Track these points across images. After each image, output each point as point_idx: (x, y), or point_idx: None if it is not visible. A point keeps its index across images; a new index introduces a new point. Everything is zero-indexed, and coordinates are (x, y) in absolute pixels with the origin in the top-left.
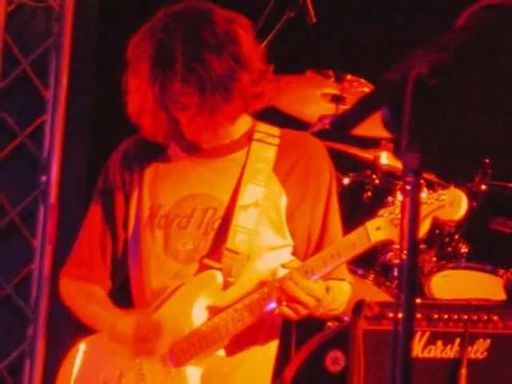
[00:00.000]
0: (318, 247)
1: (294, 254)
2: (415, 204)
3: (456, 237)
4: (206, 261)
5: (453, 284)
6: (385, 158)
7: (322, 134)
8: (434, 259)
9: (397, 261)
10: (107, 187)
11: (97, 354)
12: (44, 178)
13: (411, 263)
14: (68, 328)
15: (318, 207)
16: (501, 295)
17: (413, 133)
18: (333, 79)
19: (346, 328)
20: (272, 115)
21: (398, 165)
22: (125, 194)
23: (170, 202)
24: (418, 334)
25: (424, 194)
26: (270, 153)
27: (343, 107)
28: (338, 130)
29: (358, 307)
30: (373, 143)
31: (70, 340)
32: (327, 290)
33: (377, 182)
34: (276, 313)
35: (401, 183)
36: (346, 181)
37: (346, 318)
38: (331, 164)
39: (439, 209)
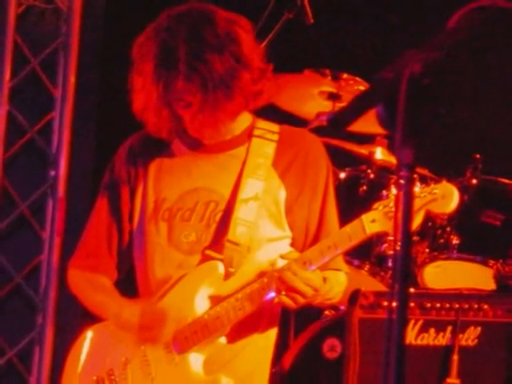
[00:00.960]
0: (316, 239)
1: (292, 245)
2: (409, 197)
3: (448, 229)
4: (208, 252)
5: (445, 274)
6: (379, 154)
7: (319, 131)
8: (427, 250)
9: (391, 252)
10: (113, 181)
11: (103, 342)
12: (52, 173)
13: (405, 254)
14: (76, 316)
15: (315, 201)
16: (491, 285)
17: (406, 129)
18: (330, 78)
19: (343, 316)
20: (271, 112)
21: (393, 160)
22: (130, 188)
23: (173, 196)
24: (412, 322)
25: (417, 188)
26: (270, 148)
27: (340, 105)
28: (335, 126)
29: (354, 296)
30: (368, 139)
31: (77, 328)
32: (324, 280)
33: (372, 176)
34: (275, 302)
35: (395, 177)
36: (342, 175)
37: (343, 307)
38: (328, 159)
39: (432, 202)
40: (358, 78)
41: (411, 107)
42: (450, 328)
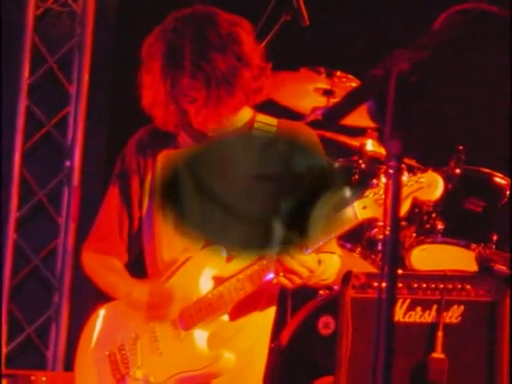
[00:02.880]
0: None
1: None
2: (397, 186)
3: (433, 215)
4: None
5: (430, 257)
6: (370, 145)
7: (314, 124)
8: (414, 235)
9: (381, 236)
10: (124, 171)
11: (115, 319)
12: (68, 163)
13: (393, 238)
14: (89, 296)
15: None
16: (473, 267)
17: (395, 123)
18: (324, 75)
19: (336, 296)
20: (270, 107)
21: (382, 151)
22: (140, 177)
23: None
24: (400, 301)
25: (405, 177)
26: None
27: (333, 100)
28: (329, 120)
29: (347, 277)
30: (359, 132)
31: (91, 306)
32: (319, 262)
33: (363, 166)
34: (274, 282)
35: (384, 167)
36: (335, 165)
37: (336, 287)
38: (322, 150)
39: (418, 190)
40: (350, 76)
41: (400, 102)
42: (435, 306)
